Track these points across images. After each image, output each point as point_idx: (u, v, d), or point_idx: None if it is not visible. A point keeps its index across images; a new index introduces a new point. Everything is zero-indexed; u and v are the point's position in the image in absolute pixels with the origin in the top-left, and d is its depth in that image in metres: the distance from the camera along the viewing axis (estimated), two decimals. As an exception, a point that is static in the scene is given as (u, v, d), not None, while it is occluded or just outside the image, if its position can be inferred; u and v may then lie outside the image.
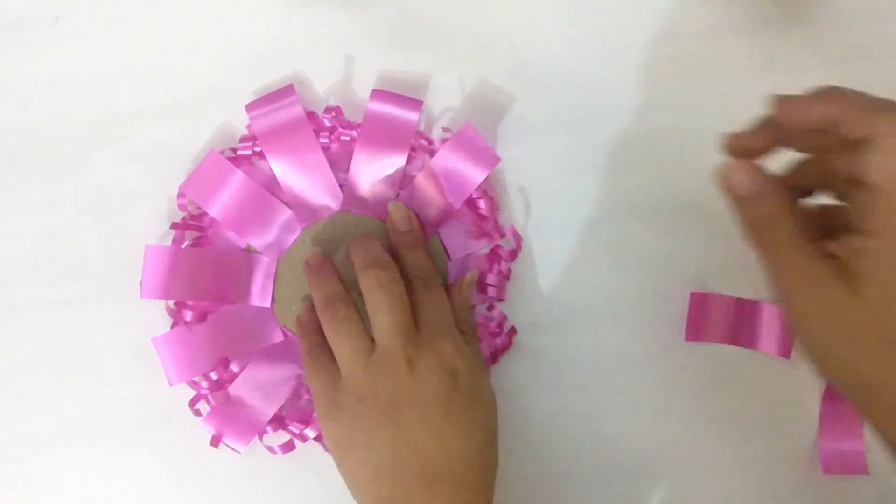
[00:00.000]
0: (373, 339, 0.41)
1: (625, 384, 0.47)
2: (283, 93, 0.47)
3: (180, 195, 0.47)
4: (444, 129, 0.48)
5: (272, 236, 0.47)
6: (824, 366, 0.32)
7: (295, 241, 0.47)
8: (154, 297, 0.46)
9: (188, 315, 0.46)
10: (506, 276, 0.47)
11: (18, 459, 0.48)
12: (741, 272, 0.48)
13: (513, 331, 0.47)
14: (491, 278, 0.47)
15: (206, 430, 0.46)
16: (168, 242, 0.48)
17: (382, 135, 0.46)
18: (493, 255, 0.47)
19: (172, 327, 0.47)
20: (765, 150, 0.35)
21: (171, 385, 0.46)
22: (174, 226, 0.47)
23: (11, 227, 0.49)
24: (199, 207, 0.47)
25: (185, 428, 0.48)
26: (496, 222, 0.47)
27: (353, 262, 0.43)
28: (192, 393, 0.47)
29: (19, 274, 0.49)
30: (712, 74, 0.48)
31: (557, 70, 0.49)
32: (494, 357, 0.47)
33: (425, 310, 0.42)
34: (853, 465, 0.46)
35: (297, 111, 0.47)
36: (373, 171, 0.47)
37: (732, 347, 0.47)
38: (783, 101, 0.33)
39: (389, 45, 0.49)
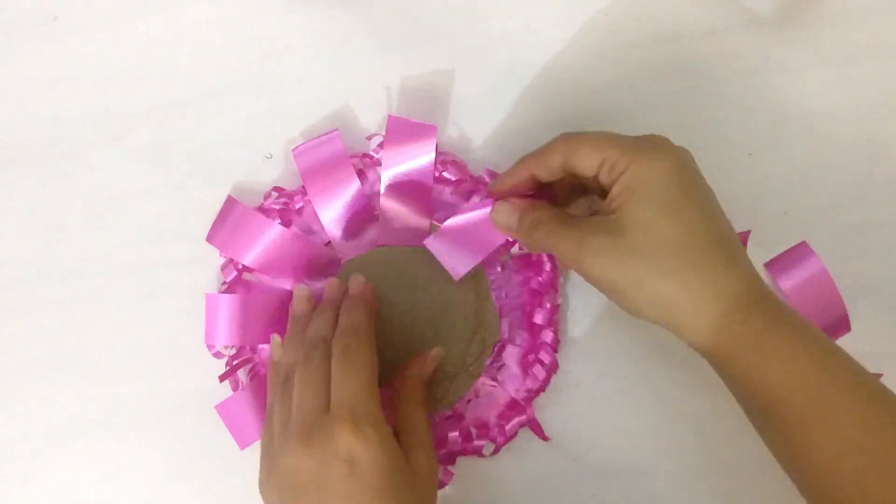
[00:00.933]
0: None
1: (623, 383, 0.47)
2: (328, 137, 0.46)
3: (210, 242, 0.47)
4: (490, 172, 0.47)
5: (317, 278, 0.47)
6: (631, 302, 0.38)
7: (338, 276, 0.47)
8: (216, 344, 0.47)
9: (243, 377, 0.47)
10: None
11: (17, 459, 0.48)
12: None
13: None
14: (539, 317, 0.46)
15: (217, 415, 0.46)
16: (169, 242, 0.48)
17: (404, 171, 0.46)
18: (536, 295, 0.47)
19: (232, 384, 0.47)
20: (525, 188, 0.42)
21: (242, 449, 0.46)
22: (230, 281, 0.47)
23: (10, 225, 0.49)
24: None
25: (183, 427, 0.48)
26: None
27: None
28: (183, 394, 0.47)
29: (18, 273, 0.49)
30: (710, 74, 0.48)
31: (556, 70, 0.49)
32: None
33: (334, 383, 0.39)
34: None
35: (339, 151, 0.46)
36: (403, 204, 0.46)
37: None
38: (493, 187, 0.43)
39: (387, 44, 0.49)
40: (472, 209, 0.45)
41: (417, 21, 0.49)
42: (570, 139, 0.39)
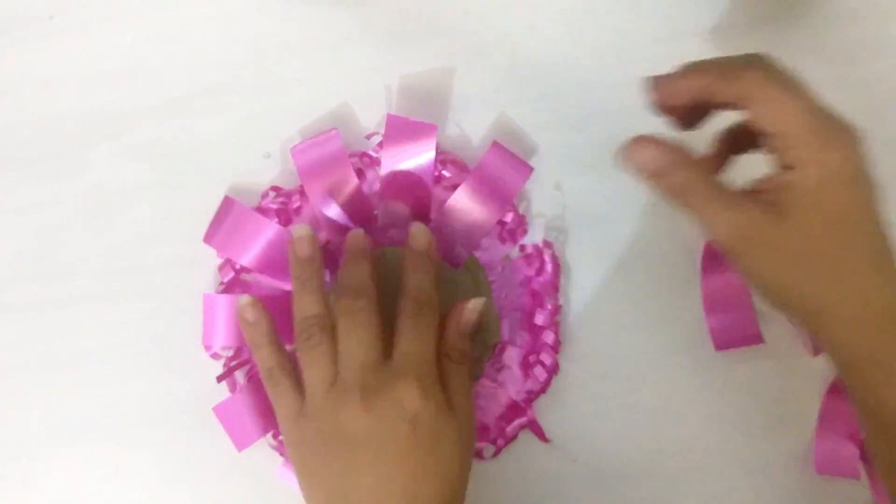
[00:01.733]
0: None
1: (623, 384, 0.47)
2: (326, 136, 0.46)
3: (207, 243, 0.47)
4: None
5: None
6: (775, 297, 0.36)
7: (337, 276, 0.46)
8: (214, 345, 0.46)
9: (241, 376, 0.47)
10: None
11: (15, 459, 0.48)
12: (739, 272, 0.48)
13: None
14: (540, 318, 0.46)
15: (216, 417, 0.46)
16: (166, 242, 0.48)
17: (402, 175, 0.46)
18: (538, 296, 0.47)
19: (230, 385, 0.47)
20: (688, 101, 0.36)
21: (239, 451, 0.46)
22: (228, 281, 0.47)
23: (6, 225, 0.49)
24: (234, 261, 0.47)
25: (182, 428, 0.48)
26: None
27: (338, 280, 0.42)
28: (182, 395, 0.47)
29: (14, 273, 0.48)
30: (711, 73, 0.48)
31: (556, 69, 0.49)
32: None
33: (403, 338, 0.39)
34: (846, 469, 0.46)
35: (338, 150, 0.46)
36: (402, 200, 0.46)
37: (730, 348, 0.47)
38: (656, 84, 0.37)
39: (387, 43, 0.49)
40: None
41: (417, 20, 0.49)
42: (763, 84, 0.34)
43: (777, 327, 0.47)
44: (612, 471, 0.46)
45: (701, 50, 0.48)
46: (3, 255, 0.48)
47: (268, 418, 0.46)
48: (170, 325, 0.48)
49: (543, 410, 0.47)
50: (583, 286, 0.48)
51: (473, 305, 0.42)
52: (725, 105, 0.36)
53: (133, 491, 0.48)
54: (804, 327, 0.37)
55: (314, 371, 0.39)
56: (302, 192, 0.47)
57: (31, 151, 0.49)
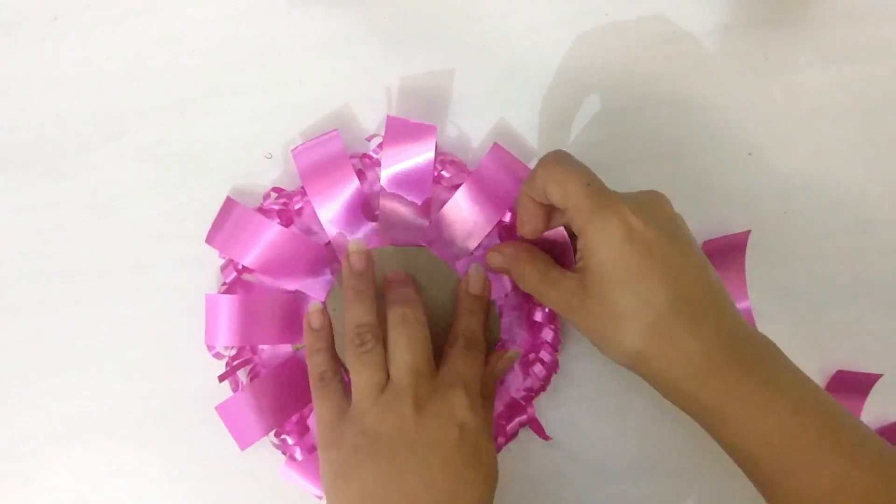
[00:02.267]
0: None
1: (624, 382, 0.47)
2: (327, 137, 0.47)
3: (210, 243, 0.47)
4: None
5: (317, 277, 0.47)
6: (605, 350, 0.40)
7: (338, 276, 0.46)
8: (217, 344, 0.47)
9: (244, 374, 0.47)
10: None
11: (17, 458, 0.48)
12: (738, 271, 0.48)
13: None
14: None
15: (218, 416, 0.46)
16: (168, 242, 0.48)
17: (404, 171, 0.46)
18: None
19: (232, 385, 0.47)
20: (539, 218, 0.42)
21: (242, 450, 0.46)
22: (230, 281, 0.47)
23: (10, 225, 0.49)
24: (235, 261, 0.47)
25: (183, 427, 0.48)
26: None
27: (385, 295, 0.43)
28: (183, 394, 0.47)
29: (17, 273, 0.49)
30: (709, 74, 0.48)
31: (555, 69, 0.49)
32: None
33: (455, 362, 0.42)
34: None
35: (338, 152, 0.46)
36: (402, 203, 0.47)
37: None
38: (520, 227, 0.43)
39: (387, 44, 0.49)
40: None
41: (418, 21, 0.49)
42: (550, 169, 0.39)
43: (775, 325, 0.47)
44: (612, 469, 0.46)
45: (700, 50, 0.48)
46: (6, 255, 0.49)
47: (270, 417, 0.46)
48: (172, 324, 0.48)
49: (543, 409, 0.47)
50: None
51: (511, 356, 0.45)
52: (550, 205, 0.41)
53: (135, 489, 0.48)
54: (634, 371, 0.40)
55: (365, 375, 0.41)
56: (303, 193, 0.47)
57: (34, 152, 0.49)
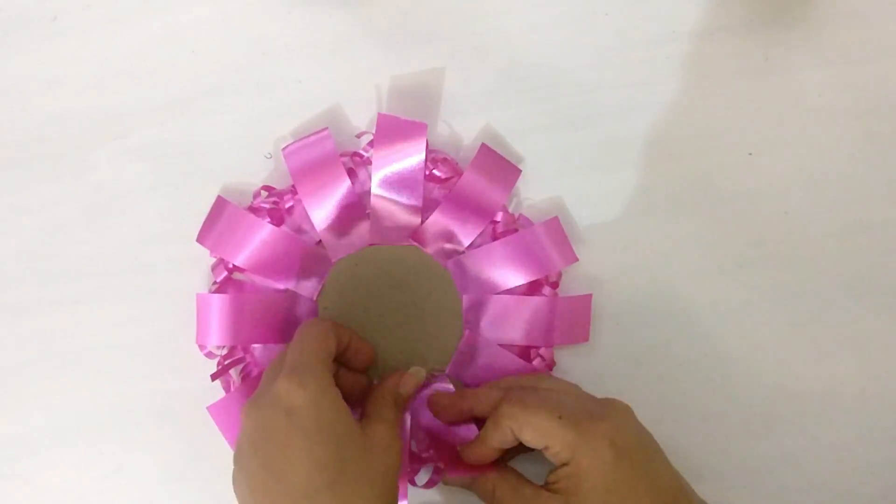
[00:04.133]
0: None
1: (622, 383, 0.47)
2: (318, 136, 0.47)
3: (201, 243, 0.47)
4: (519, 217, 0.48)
5: (308, 277, 0.47)
6: None
7: (329, 275, 0.47)
8: (208, 343, 0.46)
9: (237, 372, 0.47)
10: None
11: (17, 458, 0.48)
12: (737, 270, 0.48)
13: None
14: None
15: (210, 416, 0.46)
16: (168, 242, 0.48)
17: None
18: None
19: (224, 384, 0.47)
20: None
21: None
22: (221, 281, 0.47)
23: (9, 225, 0.49)
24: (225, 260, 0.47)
25: (183, 427, 0.48)
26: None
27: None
28: (182, 394, 0.47)
29: (16, 273, 0.49)
30: (708, 74, 0.48)
31: (553, 70, 0.49)
32: None
33: (291, 347, 0.41)
34: None
35: (329, 150, 0.46)
36: (393, 202, 0.47)
37: (726, 348, 0.47)
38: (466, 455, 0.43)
39: (386, 44, 0.49)
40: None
41: (417, 21, 0.49)
42: (516, 416, 0.40)
43: (774, 325, 0.47)
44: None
45: (700, 50, 0.48)
46: (5, 255, 0.49)
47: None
48: (171, 324, 0.48)
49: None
50: (577, 286, 0.48)
51: (415, 373, 0.44)
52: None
53: (134, 489, 0.48)
54: None
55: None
56: (294, 192, 0.47)
57: (33, 152, 0.49)
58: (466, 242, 0.46)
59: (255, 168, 0.49)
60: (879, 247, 0.48)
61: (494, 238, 0.47)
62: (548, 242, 0.46)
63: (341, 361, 0.44)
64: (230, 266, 0.47)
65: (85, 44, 0.49)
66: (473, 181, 0.46)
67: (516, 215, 0.48)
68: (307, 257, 0.46)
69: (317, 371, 0.39)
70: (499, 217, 0.47)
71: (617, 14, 0.49)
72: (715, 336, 0.47)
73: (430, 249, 0.46)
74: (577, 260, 0.46)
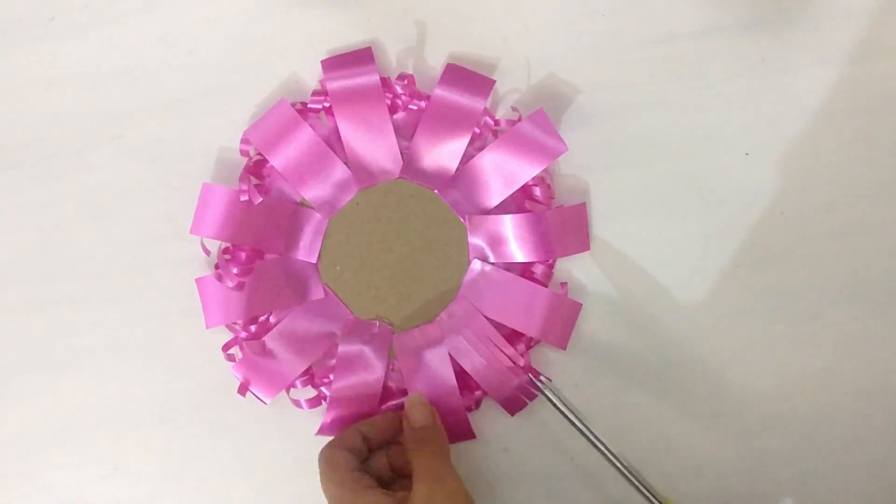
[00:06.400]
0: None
1: (621, 382, 0.47)
2: (362, 55, 0.48)
3: (244, 141, 0.47)
4: (513, 109, 0.48)
5: (327, 193, 0.47)
6: None
7: (349, 202, 0.47)
8: (202, 234, 0.47)
9: (234, 269, 0.47)
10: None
11: (15, 458, 0.48)
12: (734, 271, 0.48)
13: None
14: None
15: (234, 377, 0.46)
16: (166, 242, 0.48)
17: (450, 111, 0.47)
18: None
19: (217, 275, 0.47)
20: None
21: (207, 327, 0.47)
22: (243, 176, 0.47)
23: (7, 225, 0.49)
24: (259, 154, 0.47)
25: (181, 427, 0.48)
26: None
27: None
28: (182, 394, 0.47)
29: (15, 273, 0.49)
30: (706, 74, 0.48)
31: (551, 70, 0.49)
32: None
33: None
34: None
35: (372, 77, 0.47)
36: (435, 145, 0.47)
37: (722, 347, 0.47)
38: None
39: (385, 44, 0.49)
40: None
41: (415, 22, 0.49)
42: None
43: (773, 325, 0.47)
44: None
45: (697, 51, 0.48)
46: (4, 255, 0.49)
47: (241, 307, 0.47)
48: (170, 324, 0.48)
49: (540, 409, 0.47)
50: (572, 289, 0.48)
51: (413, 401, 0.44)
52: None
53: (133, 489, 0.48)
54: None
55: None
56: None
57: (32, 152, 0.49)
58: (503, 259, 0.47)
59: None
60: (876, 247, 0.48)
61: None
62: (537, 135, 0.47)
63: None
64: (250, 163, 0.48)
65: (83, 44, 0.49)
66: (512, 144, 0.46)
67: (501, 122, 0.48)
68: (334, 174, 0.47)
69: (344, 497, 0.41)
70: (537, 193, 0.47)
71: (614, 14, 0.49)
72: (711, 336, 0.48)
73: (463, 200, 0.47)
74: (565, 149, 0.47)
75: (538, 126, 0.46)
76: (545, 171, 0.47)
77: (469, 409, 0.47)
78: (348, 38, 0.49)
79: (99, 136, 0.49)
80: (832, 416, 0.47)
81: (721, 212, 0.48)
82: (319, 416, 0.47)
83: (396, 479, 0.44)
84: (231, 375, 0.47)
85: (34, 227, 0.49)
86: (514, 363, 0.46)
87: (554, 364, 0.47)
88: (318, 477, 0.42)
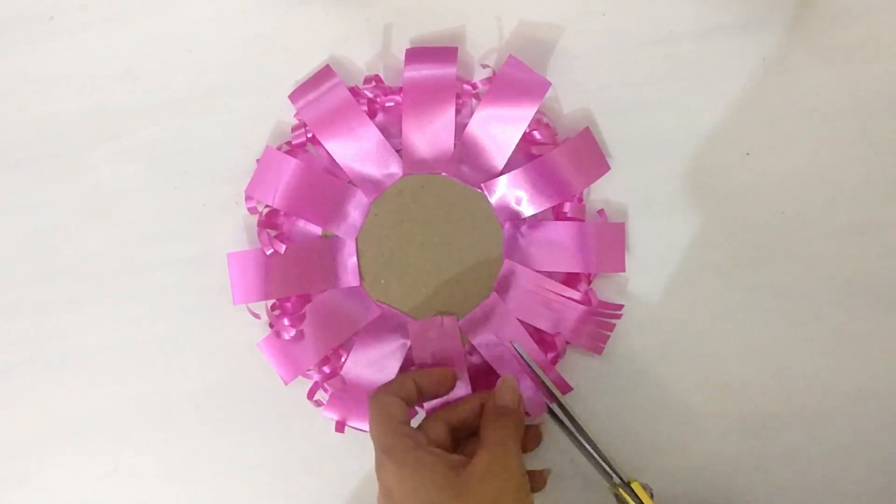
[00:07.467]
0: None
1: (622, 382, 0.47)
2: (323, 75, 0.48)
3: (248, 198, 0.47)
4: (484, 66, 0.48)
5: (345, 217, 0.47)
6: None
7: (368, 216, 0.47)
8: (247, 301, 0.47)
9: (286, 320, 0.47)
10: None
11: (15, 458, 0.48)
12: (733, 271, 0.48)
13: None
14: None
15: (328, 418, 0.46)
16: (166, 242, 0.48)
17: (426, 93, 0.47)
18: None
19: (274, 333, 0.47)
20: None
21: (286, 384, 0.47)
22: (260, 230, 0.47)
23: (6, 226, 0.49)
24: (267, 206, 0.47)
25: (181, 427, 0.48)
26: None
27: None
28: (182, 394, 0.48)
29: (14, 273, 0.49)
30: (705, 74, 0.48)
31: (551, 70, 0.49)
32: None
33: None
34: None
35: (340, 91, 0.47)
36: (425, 130, 0.47)
37: (723, 347, 0.47)
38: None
39: (384, 44, 0.49)
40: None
41: (413, 21, 0.49)
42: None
43: (772, 325, 0.47)
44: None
45: (697, 50, 0.48)
46: (4, 255, 0.49)
47: (309, 354, 0.46)
48: (169, 324, 0.48)
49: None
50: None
51: (504, 382, 0.44)
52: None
53: (132, 489, 0.48)
54: None
55: None
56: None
57: (30, 152, 0.49)
58: (503, 162, 0.47)
59: (252, 168, 0.49)
60: (876, 247, 0.48)
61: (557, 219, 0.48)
62: (517, 80, 0.47)
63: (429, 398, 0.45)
64: (263, 218, 0.47)
65: (81, 44, 0.49)
66: (497, 98, 0.47)
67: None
68: (344, 197, 0.47)
69: (395, 448, 0.40)
70: (538, 136, 0.47)
71: (614, 14, 0.49)
72: (712, 336, 0.48)
73: (465, 168, 0.47)
74: (549, 84, 0.47)
75: (515, 70, 0.47)
76: (540, 112, 0.47)
77: (554, 362, 0.47)
78: (348, 37, 0.49)
79: (98, 136, 0.49)
80: (832, 416, 0.47)
81: (721, 212, 0.48)
82: (319, 415, 0.47)
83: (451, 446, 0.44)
84: (231, 375, 0.47)
85: (33, 226, 0.49)
86: (581, 302, 0.46)
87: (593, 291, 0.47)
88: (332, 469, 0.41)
